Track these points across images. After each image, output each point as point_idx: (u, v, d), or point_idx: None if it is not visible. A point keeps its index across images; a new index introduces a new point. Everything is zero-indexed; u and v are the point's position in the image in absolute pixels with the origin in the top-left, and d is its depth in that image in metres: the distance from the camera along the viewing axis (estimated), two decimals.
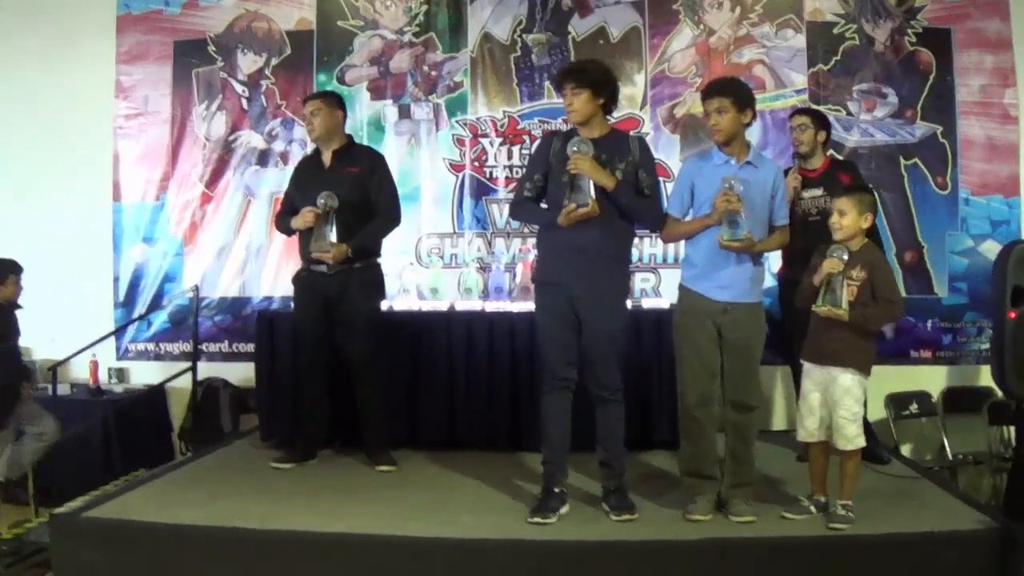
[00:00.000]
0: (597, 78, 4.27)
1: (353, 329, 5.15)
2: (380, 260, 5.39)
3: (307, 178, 5.27)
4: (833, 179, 5.12)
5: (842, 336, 4.09)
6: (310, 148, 5.78)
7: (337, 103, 5.27)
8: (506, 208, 6.34)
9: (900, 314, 4.52)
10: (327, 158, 5.24)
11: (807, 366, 4.26)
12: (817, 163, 5.28)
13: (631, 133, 4.75)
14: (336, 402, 5.38)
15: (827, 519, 4.09)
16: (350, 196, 5.07)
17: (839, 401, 4.11)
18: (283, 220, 5.32)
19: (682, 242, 4.46)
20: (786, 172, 5.06)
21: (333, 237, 5.01)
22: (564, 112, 4.41)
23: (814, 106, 6.09)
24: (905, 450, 6.04)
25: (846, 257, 4.05)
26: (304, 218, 5.05)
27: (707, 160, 4.32)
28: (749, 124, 4.27)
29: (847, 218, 4.13)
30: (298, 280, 5.33)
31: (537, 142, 5.41)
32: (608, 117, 4.40)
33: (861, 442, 4.15)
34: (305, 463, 5.24)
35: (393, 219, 5.27)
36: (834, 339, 4.11)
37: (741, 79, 4.59)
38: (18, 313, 5.76)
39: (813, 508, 4.21)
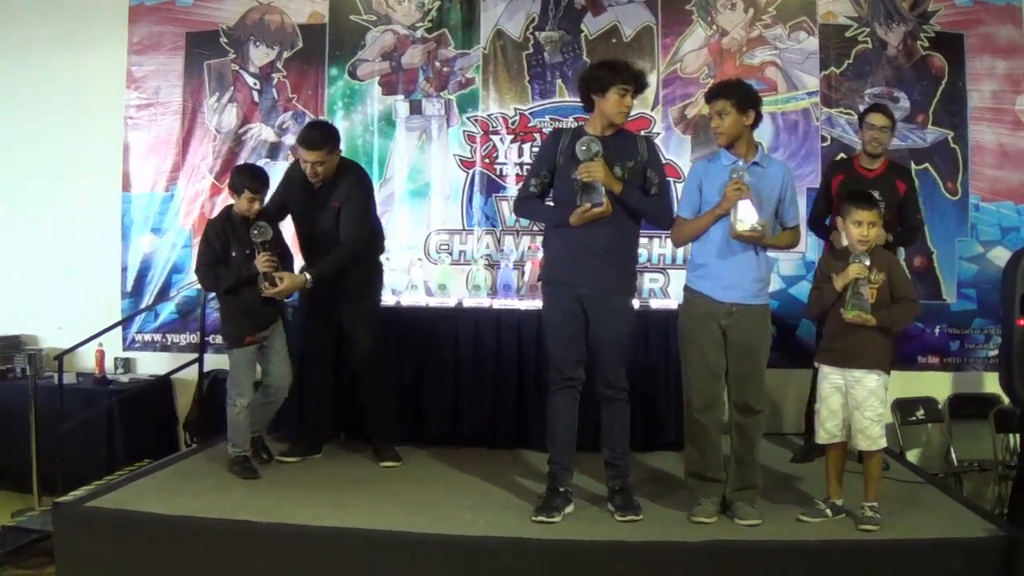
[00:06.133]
0: (581, 85, 4.36)
1: (353, 326, 5.17)
2: (386, 257, 5.38)
3: (297, 199, 5.15)
4: (890, 184, 5.06)
5: (865, 339, 4.11)
6: None
7: (336, 142, 5.04)
8: None
9: (920, 312, 4.48)
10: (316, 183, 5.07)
11: (825, 369, 4.26)
12: (877, 163, 5.19)
13: (640, 133, 4.75)
14: (342, 396, 5.39)
15: (857, 522, 4.10)
16: (336, 230, 5.01)
17: (863, 402, 4.13)
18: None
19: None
20: (841, 163, 5.11)
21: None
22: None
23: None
24: (911, 456, 6.02)
25: (868, 262, 4.05)
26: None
27: (714, 162, 4.31)
28: (754, 125, 4.26)
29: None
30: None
31: (544, 138, 5.40)
32: None
33: (883, 442, 4.19)
34: (310, 457, 5.26)
35: (352, 251, 5.03)
36: (857, 342, 4.12)
37: (744, 81, 4.57)
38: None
39: (829, 511, 4.21)
